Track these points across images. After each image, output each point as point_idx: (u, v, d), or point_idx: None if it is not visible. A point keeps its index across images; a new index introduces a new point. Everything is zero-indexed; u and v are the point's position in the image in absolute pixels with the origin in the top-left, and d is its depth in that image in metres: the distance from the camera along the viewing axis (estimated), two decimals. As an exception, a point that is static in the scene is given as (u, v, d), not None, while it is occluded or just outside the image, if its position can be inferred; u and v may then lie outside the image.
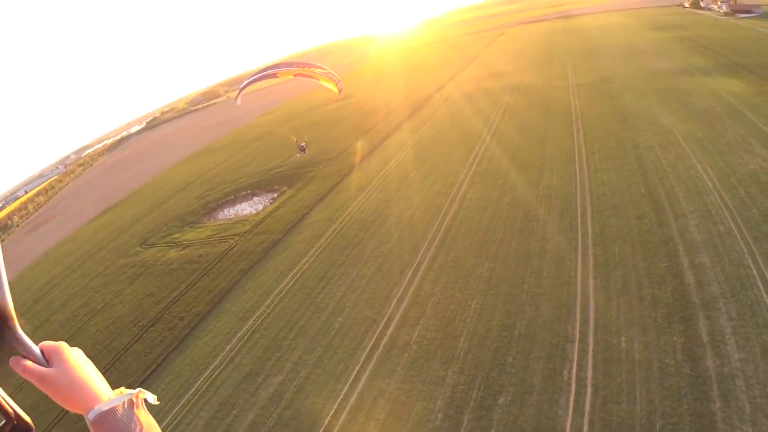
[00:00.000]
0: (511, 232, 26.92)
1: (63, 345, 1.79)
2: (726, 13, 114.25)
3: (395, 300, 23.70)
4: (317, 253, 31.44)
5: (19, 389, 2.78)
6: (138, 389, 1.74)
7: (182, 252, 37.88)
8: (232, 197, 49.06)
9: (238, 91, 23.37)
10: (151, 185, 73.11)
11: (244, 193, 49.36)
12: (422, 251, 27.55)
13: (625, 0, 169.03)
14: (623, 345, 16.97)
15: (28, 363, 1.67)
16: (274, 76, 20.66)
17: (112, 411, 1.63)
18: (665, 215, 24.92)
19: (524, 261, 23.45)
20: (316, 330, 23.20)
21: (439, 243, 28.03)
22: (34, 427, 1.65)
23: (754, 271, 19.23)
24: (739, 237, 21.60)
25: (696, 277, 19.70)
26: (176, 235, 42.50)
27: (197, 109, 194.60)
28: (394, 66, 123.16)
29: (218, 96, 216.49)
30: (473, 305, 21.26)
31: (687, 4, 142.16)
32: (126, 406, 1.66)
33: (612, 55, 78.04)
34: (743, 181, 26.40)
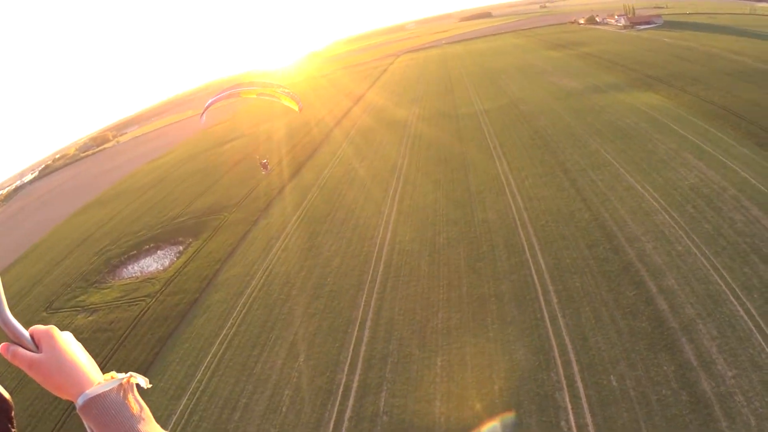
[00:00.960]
0: (457, 275, 27.95)
1: (53, 329, 2.00)
2: (625, 26, 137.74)
3: (347, 364, 23.30)
4: (242, 314, 31.23)
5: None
6: (129, 373, 1.97)
7: (91, 318, 38.79)
8: (135, 252, 51.27)
9: (203, 110, 26.18)
10: (48, 240, 76.08)
11: (147, 246, 51.89)
12: (363, 305, 27.59)
13: (515, 21, 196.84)
14: (615, 383, 18.33)
15: (18, 349, 1.89)
16: (236, 95, 23.41)
17: (101, 396, 1.82)
18: (618, 241, 28.17)
19: (481, 306, 24.62)
20: (263, 407, 22.43)
21: (380, 294, 28.25)
22: (12, 405, 1.89)
23: (723, 287, 22.27)
24: (699, 254, 25.14)
25: (668, 301, 22.33)
26: (81, 298, 44.19)
27: (88, 155, 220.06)
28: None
29: (107, 141, 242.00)
30: (438, 363, 21.27)
31: (582, 21, 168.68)
32: (116, 391, 1.86)
33: (514, 77, 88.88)
34: (687, 196, 31.16)
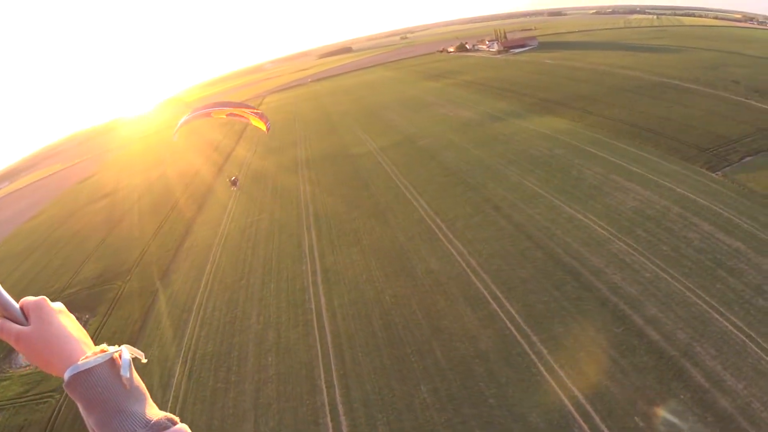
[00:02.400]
0: (422, 338, 29.21)
1: (44, 300, 2.21)
2: (499, 51, 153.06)
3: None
4: (176, 411, 28.78)
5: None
6: (123, 346, 2.10)
7: (-6, 423, 36.58)
8: (26, 332, 46.10)
9: (176, 129, 28.79)
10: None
11: (41, 326, 47.43)
12: (325, 387, 27.55)
13: (380, 54, 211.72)
14: (641, 424, 20.93)
15: (4, 322, 2.11)
16: (208, 115, 25.82)
17: (87, 372, 1.93)
18: (584, 277, 31.59)
19: (467, 371, 25.87)
20: None
21: (341, 371, 28.45)
22: None
23: (704, 306, 26.52)
24: (669, 278, 29.32)
25: (658, 330, 25.71)
26: (-24, 395, 41.35)
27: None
28: (160, 151, 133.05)
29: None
30: (445, 443, 22.68)
31: (452, 49, 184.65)
32: (106, 366, 1.97)
33: (399, 111, 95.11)
34: (634, 220, 35.99)
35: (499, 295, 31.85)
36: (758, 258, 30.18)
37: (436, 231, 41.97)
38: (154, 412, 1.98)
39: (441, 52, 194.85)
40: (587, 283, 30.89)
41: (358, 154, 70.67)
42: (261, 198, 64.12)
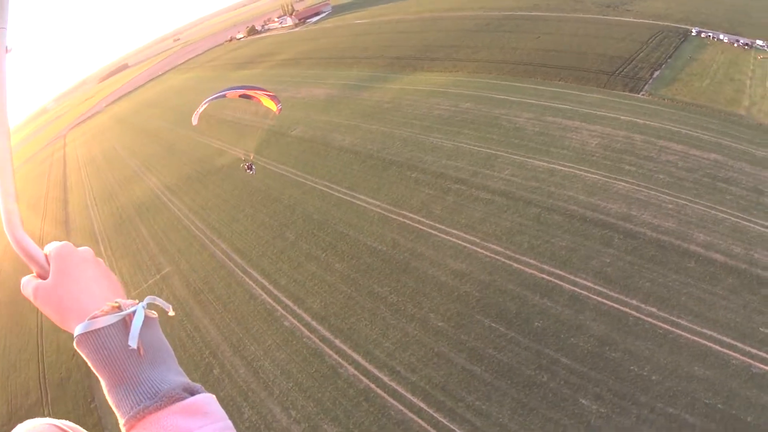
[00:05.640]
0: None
1: (65, 248, 2.09)
2: (297, 24, 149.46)
3: None
4: None
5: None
6: (147, 299, 2.03)
7: None
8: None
9: (196, 113, 29.85)
10: None
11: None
12: None
13: (164, 60, 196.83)
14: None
15: (24, 281, 2.04)
16: (223, 96, 27.52)
17: (94, 333, 1.83)
18: (620, 226, 33.01)
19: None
20: None
21: None
22: None
23: (732, 218, 29.91)
24: (688, 203, 32.05)
25: (719, 252, 28.65)
26: None
27: None
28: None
29: None
30: None
31: (241, 35, 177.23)
32: (115, 328, 1.86)
33: (234, 107, 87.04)
34: (610, 157, 37.72)
35: (559, 271, 31.92)
36: (738, 164, 34.42)
37: (429, 231, 39.03)
38: (170, 378, 1.86)
39: (230, 41, 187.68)
40: (628, 231, 32.33)
41: (230, 164, 65.42)
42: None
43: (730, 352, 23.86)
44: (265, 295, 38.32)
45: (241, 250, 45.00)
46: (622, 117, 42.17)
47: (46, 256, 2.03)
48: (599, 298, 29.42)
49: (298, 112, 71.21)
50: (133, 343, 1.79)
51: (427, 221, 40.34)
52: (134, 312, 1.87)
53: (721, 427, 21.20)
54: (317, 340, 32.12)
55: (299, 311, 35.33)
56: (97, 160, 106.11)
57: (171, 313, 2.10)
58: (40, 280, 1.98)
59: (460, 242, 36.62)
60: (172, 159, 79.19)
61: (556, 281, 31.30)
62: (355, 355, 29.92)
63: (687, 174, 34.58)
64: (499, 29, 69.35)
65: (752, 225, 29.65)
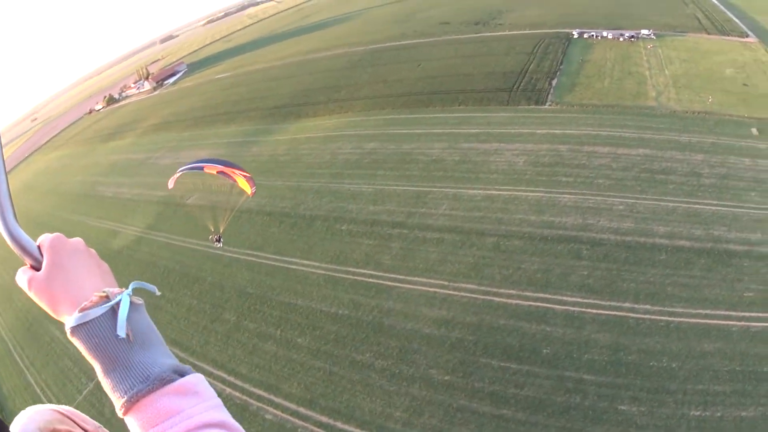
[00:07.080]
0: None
1: (57, 240, 2.15)
2: (155, 88, 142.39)
3: None
4: None
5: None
6: (133, 285, 2.08)
7: None
8: None
9: (172, 178, 28.72)
10: None
11: None
12: None
13: (24, 144, 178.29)
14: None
15: (19, 272, 2.08)
16: (200, 169, 27.28)
17: (84, 326, 1.87)
18: (584, 236, 33.82)
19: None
20: None
21: None
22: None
23: (683, 205, 32.49)
24: (634, 200, 33.87)
25: (683, 238, 30.62)
26: None
27: None
28: None
29: None
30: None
31: (100, 106, 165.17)
32: (104, 317, 1.89)
33: (115, 181, 79.78)
34: (542, 172, 38.89)
35: (542, 295, 32.13)
36: (667, 153, 37.02)
37: (387, 284, 37.24)
38: (160, 361, 1.91)
39: (90, 113, 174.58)
40: (592, 239, 33.39)
41: (129, 245, 59.28)
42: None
43: (728, 322, 26.43)
44: (229, 390, 34.36)
45: (177, 342, 39.89)
46: (538, 131, 43.94)
47: (39, 247, 2.09)
48: (594, 311, 30.09)
49: (188, 178, 66.12)
50: (121, 332, 1.85)
51: (380, 273, 38.46)
52: (118, 299, 1.94)
53: (746, 385, 23.92)
54: (315, 428, 29.33)
55: (278, 400, 32.05)
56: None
57: (158, 293, 2.21)
58: (34, 272, 2.04)
59: (427, 289, 35.40)
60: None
61: (545, 305, 31.48)
62: (367, 434, 28.00)
63: (624, 173, 36.72)
64: (374, 63, 69.29)
65: (702, 206, 32.26)
